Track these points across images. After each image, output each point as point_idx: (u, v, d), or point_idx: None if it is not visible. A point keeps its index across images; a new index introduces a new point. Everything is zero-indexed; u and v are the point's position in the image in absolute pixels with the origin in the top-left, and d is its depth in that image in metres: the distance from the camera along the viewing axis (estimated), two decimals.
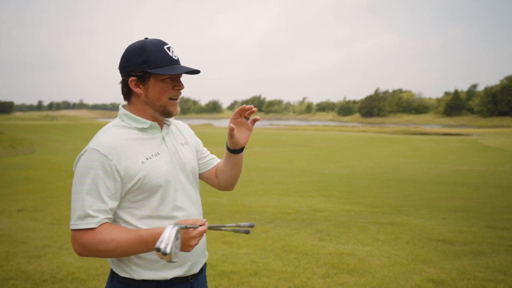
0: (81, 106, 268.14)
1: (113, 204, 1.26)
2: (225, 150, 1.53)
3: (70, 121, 60.14)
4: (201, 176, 1.62)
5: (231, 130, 1.42)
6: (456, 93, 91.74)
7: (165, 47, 1.33)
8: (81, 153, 1.27)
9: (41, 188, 8.27)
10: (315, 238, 4.74)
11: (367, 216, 5.92)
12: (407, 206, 6.81)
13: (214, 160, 1.65)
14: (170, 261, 1.09)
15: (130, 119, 1.35)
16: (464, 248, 4.28)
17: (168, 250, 1.08)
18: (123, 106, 1.41)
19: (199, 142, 1.63)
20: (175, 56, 1.34)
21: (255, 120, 1.47)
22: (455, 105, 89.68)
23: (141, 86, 1.32)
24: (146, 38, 1.35)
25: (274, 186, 8.94)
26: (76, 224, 1.21)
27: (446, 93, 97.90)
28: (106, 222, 1.25)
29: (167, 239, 1.09)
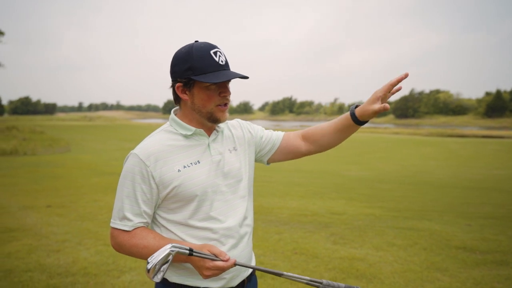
0: (118, 107, 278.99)
1: (147, 209, 1.29)
2: (345, 120, 1.43)
3: (106, 122, 62.66)
4: (276, 156, 1.55)
5: (384, 109, 1.30)
6: (499, 93, 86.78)
7: (212, 51, 1.26)
8: (127, 155, 1.31)
9: (69, 185, 8.66)
10: (328, 241, 4.66)
11: (387, 220, 5.74)
12: (431, 211, 6.53)
13: (278, 135, 1.56)
14: (151, 279, 1.10)
15: (177, 125, 1.35)
16: (486, 257, 4.04)
17: (148, 267, 1.09)
18: (174, 111, 1.40)
19: (257, 131, 1.54)
20: (221, 61, 1.27)
21: (397, 90, 1.35)
22: (497, 106, 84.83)
23: (187, 93, 1.30)
24: (196, 41, 1.30)
25: (294, 188, 8.85)
26: (115, 223, 1.29)
27: (487, 93, 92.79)
28: (142, 226, 1.29)
29: (155, 259, 1.09)
